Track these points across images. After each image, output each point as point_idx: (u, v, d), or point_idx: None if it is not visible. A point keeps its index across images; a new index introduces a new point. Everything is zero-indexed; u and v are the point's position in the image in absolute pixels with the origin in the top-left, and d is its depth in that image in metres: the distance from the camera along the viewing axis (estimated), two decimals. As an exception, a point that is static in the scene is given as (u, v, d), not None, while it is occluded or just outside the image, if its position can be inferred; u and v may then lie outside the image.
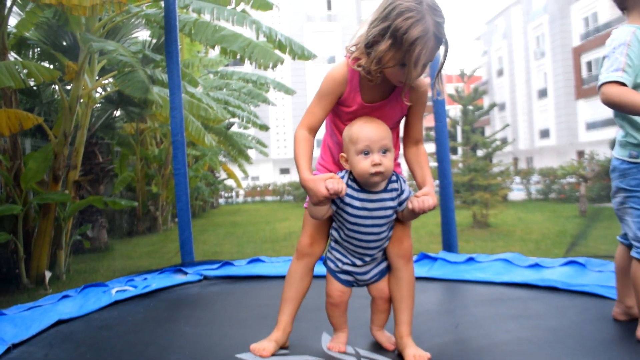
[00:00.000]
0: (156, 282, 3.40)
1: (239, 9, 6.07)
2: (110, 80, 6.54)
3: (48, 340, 2.33)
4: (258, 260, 4.05)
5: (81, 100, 5.70)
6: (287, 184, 26.32)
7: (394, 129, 2.11)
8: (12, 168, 5.12)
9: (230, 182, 20.71)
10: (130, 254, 7.25)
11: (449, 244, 3.93)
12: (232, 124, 14.35)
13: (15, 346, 2.24)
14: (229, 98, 11.11)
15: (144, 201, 10.17)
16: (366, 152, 1.86)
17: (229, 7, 5.97)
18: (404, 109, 2.05)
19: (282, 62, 5.65)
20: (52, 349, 2.21)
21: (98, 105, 7.89)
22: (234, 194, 26.37)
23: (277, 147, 41.09)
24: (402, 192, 1.97)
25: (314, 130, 2.02)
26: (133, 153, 9.74)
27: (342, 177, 1.96)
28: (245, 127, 15.52)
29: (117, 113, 8.90)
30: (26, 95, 6.70)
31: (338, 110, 2.06)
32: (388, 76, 1.90)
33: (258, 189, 29.04)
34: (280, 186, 26.93)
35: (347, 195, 1.93)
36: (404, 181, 2.00)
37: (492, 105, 10.28)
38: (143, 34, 8.14)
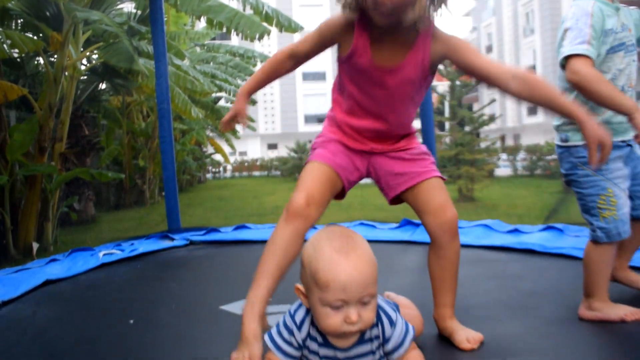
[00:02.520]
0: (143, 246, 3.49)
1: (225, -20, 6.03)
2: (96, 51, 6.47)
3: (36, 299, 2.41)
4: (244, 227, 4.13)
5: (66, 73, 5.64)
6: (274, 159, 26.33)
7: (417, 101, 1.76)
8: (-3, 140, 5.09)
9: (217, 157, 20.65)
10: (117, 226, 7.27)
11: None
12: (219, 99, 14.24)
13: (4, 304, 2.30)
14: (216, 72, 11.02)
15: (130, 174, 10.14)
16: (338, 306, 1.27)
17: (215, -22, 5.92)
18: (425, 68, 1.64)
19: (268, 34, 5.64)
20: (40, 307, 2.28)
21: (84, 77, 7.80)
22: (221, 169, 26.32)
23: (265, 122, 40.95)
24: (386, 340, 1.37)
25: (293, 56, 1.76)
26: (119, 127, 9.67)
27: (293, 316, 1.39)
28: (232, 102, 15.34)
29: (103, 86, 8.82)
30: (9, 67, 6.60)
31: (344, 67, 1.70)
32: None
33: (246, 164, 29.00)
34: (268, 161, 26.92)
35: (306, 348, 1.39)
36: (391, 322, 1.38)
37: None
38: (128, 6, 8.02)
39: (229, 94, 11.68)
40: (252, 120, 17.71)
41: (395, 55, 1.62)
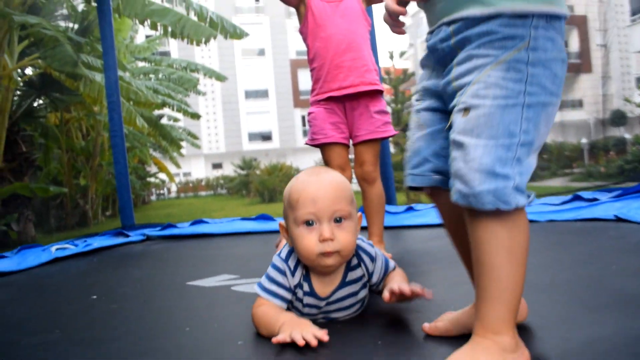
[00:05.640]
0: (97, 242, 3.35)
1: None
2: (31, 65, 6.22)
3: (-14, 288, 2.27)
4: (202, 221, 4.06)
5: (1, 85, 5.41)
6: (220, 178, 26.04)
7: (365, 27, 2.26)
8: None
9: (162, 177, 20.18)
10: (61, 245, 6.95)
11: (388, 198, 3.96)
12: (162, 116, 14.00)
13: None
14: (159, 86, 10.83)
15: (72, 195, 9.74)
16: (310, 222, 1.27)
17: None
18: None
19: (214, 37, 5.59)
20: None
21: (19, 92, 7.48)
22: (165, 190, 25.76)
23: (209, 141, 40.41)
24: (371, 274, 1.39)
25: None
26: (58, 146, 9.29)
27: (286, 260, 1.37)
28: (175, 120, 15.11)
29: (40, 102, 8.47)
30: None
31: (301, 18, 2.29)
32: None
33: (190, 184, 28.53)
34: (213, 180, 26.57)
35: (294, 294, 1.38)
36: (371, 258, 1.39)
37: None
38: (62, 24, 7.78)
39: (172, 109, 11.49)
40: (195, 137, 17.47)
41: None
